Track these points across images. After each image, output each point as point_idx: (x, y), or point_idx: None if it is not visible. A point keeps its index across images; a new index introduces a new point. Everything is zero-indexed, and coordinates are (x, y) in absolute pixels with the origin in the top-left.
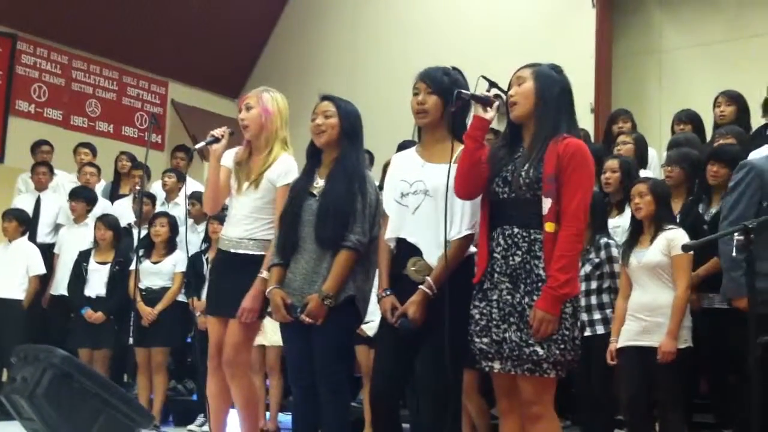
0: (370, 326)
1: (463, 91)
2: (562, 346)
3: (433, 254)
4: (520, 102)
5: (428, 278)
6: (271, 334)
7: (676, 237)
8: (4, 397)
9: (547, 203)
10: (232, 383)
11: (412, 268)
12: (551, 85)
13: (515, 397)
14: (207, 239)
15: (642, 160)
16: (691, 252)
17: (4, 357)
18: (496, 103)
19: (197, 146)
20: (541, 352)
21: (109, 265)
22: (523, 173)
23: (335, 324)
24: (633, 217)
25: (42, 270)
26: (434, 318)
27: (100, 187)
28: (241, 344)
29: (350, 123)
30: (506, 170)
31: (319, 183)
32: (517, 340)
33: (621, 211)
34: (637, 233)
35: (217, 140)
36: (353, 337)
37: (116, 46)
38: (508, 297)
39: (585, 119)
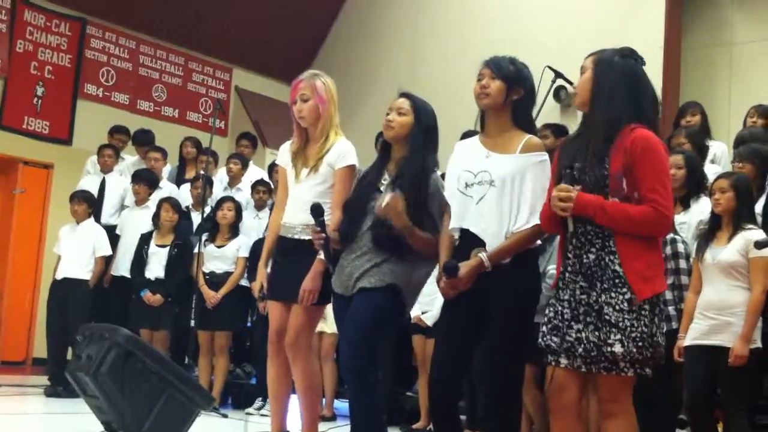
0: (428, 316)
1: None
2: (640, 344)
3: (496, 245)
4: (578, 93)
5: (486, 251)
6: (332, 321)
7: (755, 238)
8: (69, 374)
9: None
10: (293, 367)
11: None
12: (608, 72)
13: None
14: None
15: (700, 155)
16: None
17: (70, 335)
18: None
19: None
20: (619, 350)
21: (168, 248)
22: (588, 170)
23: (369, 301)
24: (712, 212)
25: (108, 251)
26: (494, 310)
27: (165, 172)
28: (303, 328)
29: (424, 123)
30: (577, 167)
31: (387, 179)
32: (595, 340)
33: (685, 207)
34: (714, 229)
35: None
36: (387, 323)
37: (182, 32)
38: (583, 296)
39: None
